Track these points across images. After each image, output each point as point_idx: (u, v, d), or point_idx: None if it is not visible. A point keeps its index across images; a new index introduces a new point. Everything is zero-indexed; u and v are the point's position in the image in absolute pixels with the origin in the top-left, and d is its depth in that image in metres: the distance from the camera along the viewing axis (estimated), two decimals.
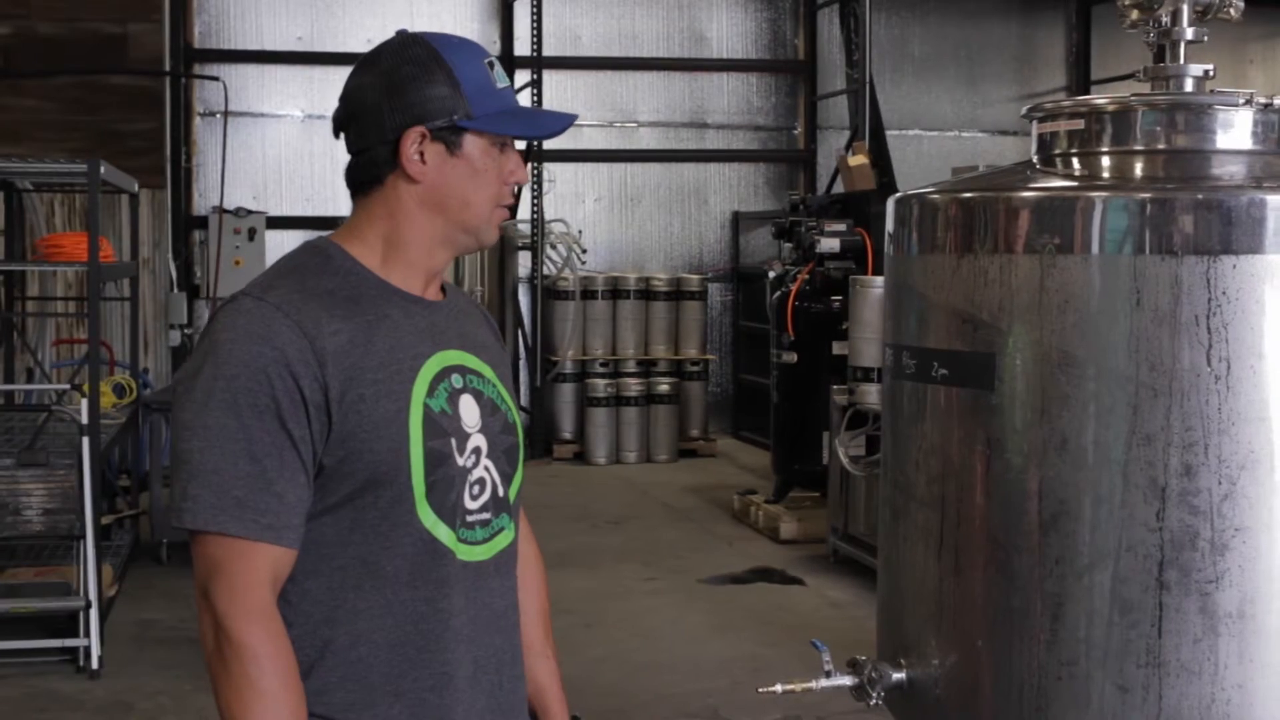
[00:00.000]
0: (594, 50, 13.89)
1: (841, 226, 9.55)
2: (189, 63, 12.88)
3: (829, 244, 9.43)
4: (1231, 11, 3.29)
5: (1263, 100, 3.13)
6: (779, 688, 3.37)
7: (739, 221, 14.17)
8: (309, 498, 2.16)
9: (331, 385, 2.14)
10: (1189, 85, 3.24)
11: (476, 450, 2.29)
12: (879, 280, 7.96)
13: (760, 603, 7.90)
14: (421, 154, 2.24)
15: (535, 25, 12.65)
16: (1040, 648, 3.00)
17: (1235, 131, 3.14)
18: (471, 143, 2.25)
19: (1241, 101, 3.12)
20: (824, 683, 3.33)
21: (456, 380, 2.29)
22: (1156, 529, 2.90)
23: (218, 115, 12.79)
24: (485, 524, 2.30)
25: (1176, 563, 2.90)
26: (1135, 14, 3.31)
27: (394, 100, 2.23)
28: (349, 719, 2.19)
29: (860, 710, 3.55)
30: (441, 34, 2.31)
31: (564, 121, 2.35)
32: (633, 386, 12.64)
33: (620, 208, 14.06)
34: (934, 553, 3.18)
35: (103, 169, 7.12)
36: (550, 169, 13.05)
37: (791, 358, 9.51)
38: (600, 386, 12.60)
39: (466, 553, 2.27)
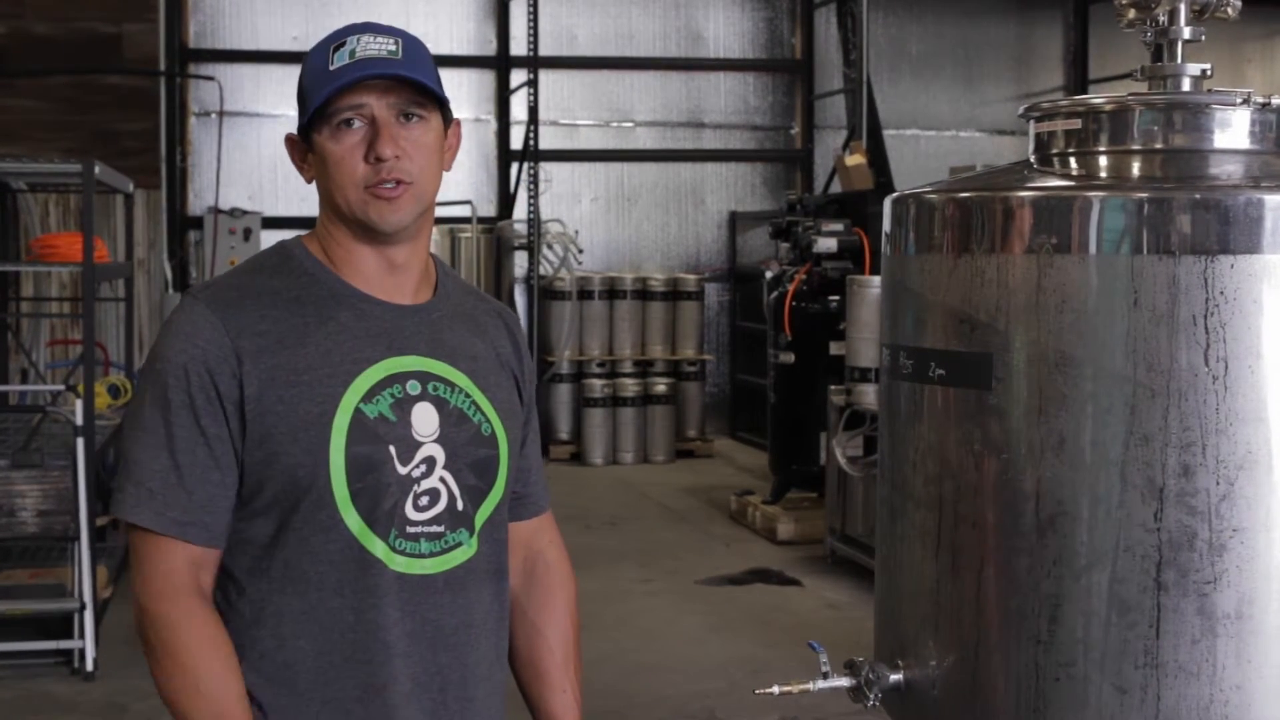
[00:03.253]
0: (590, 50, 13.89)
1: (839, 226, 9.54)
2: (184, 62, 12.87)
3: (826, 244, 9.43)
4: (1229, 11, 3.27)
5: (1260, 100, 3.11)
6: (776, 689, 3.36)
7: (736, 221, 14.17)
8: (225, 495, 2.15)
9: (249, 384, 2.13)
10: (1186, 85, 3.23)
11: (429, 460, 2.22)
12: (876, 280, 7.95)
13: (758, 604, 7.89)
14: (295, 157, 2.29)
15: (532, 25, 12.64)
16: (1038, 649, 2.99)
17: (1233, 131, 3.13)
18: (319, 136, 2.21)
19: (1239, 101, 3.11)
20: (821, 684, 3.31)
21: (412, 386, 2.23)
22: (1154, 529, 2.89)
23: (213, 115, 12.78)
24: (435, 537, 2.22)
25: (1174, 563, 2.89)
26: (1132, 13, 3.30)
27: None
28: None
29: (858, 712, 3.53)
30: (333, 32, 2.28)
31: (356, 71, 2.18)
32: (630, 387, 12.63)
33: (617, 207, 14.06)
34: (931, 553, 3.17)
35: (97, 169, 7.11)
36: (546, 169, 13.05)
37: (789, 358, 9.50)
38: (597, 387, 12.59)
39: (405, 564, 2.20)
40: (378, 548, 2.18)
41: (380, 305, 2.25)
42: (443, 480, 2.23)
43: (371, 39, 2.21)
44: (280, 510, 2.16)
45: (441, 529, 2.23)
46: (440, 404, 2.25)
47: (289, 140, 2.29)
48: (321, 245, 2.28)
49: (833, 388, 8.56)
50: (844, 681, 3.32)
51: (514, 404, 2.41)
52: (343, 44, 2.21)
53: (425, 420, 2.23)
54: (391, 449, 2.19)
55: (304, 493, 2.15)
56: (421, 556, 2.21)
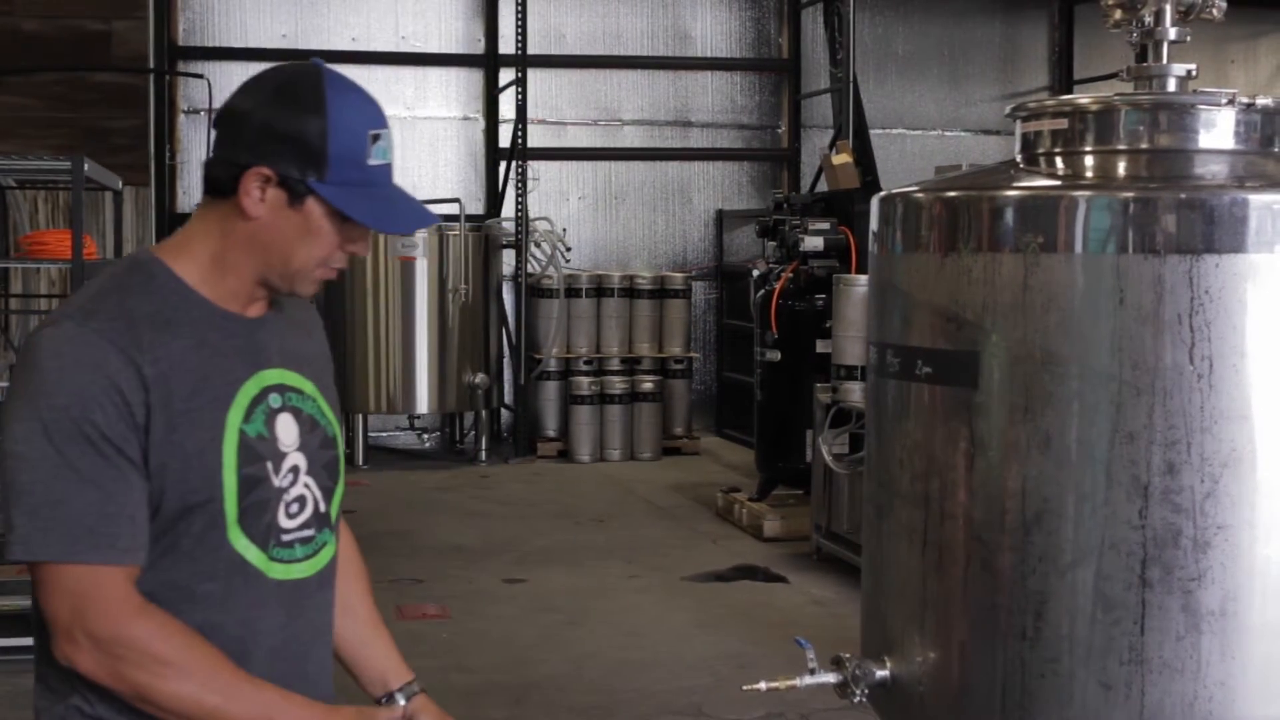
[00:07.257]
0: (578, 49, 13.88)
1: (825, 225, 9.55)
2: (173, 60, 12.86)
3: (813, 242, 9.44)
4: (1214, 12, 3.30)
5: (1245, 100, 3.14)
6: (763, 685, 3.37)
7: (723, 220, 14.18)
8: (148, 517, 2.15)
9: (154, 413, 2.12)
10: (1172, 85, 3.25)
11: (294, 469, 2.28)
12: (863, 279, 7.97)
13: (744, 600, 7.91)
14: (263, 192, 2.17)
15: (520, 23, 12.64)
16: (1023, 645, 3.01)
17: (1218, 131, 3.15)
18: (315, 203, 2.18)
19: (1224, 101, 3.13)
20: (808, 680, 3.33)
21: (275, 400, 2.27)
22: (1139, 527, 2.91)
23: (202, 113, 12.76)
24: (307, 541, 2.30)
25: (1159, 560, 2.91)
26: (1118, 14, 3.32)
27: (258, 129, 2.17)
28: None
29: (844, 708, 3.55)
30: (347, 84, 2.22)
31: (414, 223, 2.27)
32: (617, 384, 12.63)
33: (604, 206, 14.06)
34: (918, 550, 3.19)
35: (86, 166, 7.09)
36: (534, 167, 13.05)
37: (775, 356, 9.51)
38: (584, 384, 12.59)
39: (283, 571, 2.26)
40: (257, 559, 2.23)
41: (239, 321, 2.25)
42: (307, 486, 2.30)
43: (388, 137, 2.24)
44: (170, 534, 2.16)
45: (311, 533, 2.31)
46: (296, 413, 2.31)
47: (259, 174, 2.16)
48: (193, 261, 2.23)
49: (819, 385, 8.57)
50: (830, 677, 3.34)
51: (336, 396, 2.47)
52: (379, 136, 2.21)
53: (288, 431, 2.28)
54: (269, 464, 2.24)
55: (196, 516, 2.17)
56: (297, 561, 2.28)
